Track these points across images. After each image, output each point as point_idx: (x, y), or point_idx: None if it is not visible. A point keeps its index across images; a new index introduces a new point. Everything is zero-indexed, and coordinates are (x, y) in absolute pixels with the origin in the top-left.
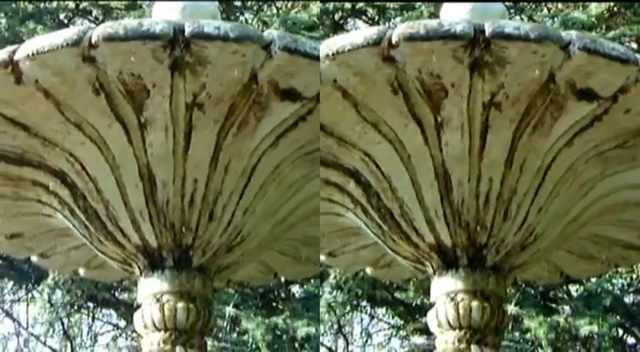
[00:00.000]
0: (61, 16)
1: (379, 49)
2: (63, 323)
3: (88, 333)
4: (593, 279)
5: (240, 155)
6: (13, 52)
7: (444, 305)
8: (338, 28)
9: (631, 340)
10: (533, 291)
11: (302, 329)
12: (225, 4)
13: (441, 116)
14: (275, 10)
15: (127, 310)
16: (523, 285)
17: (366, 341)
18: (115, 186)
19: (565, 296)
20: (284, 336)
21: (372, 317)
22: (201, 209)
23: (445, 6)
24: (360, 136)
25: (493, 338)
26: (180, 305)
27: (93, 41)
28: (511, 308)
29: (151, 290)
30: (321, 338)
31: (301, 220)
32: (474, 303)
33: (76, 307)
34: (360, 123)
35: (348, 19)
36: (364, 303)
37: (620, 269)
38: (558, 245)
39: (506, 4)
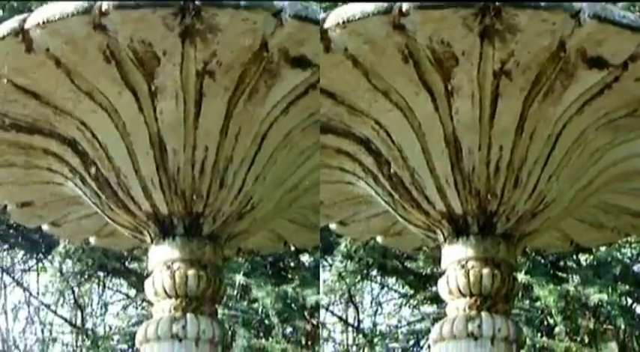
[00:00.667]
0: None
1: (390, 17)
2: (73, 292)
3: (98, 302)
4: (603, 248)
5: (251, 123)
6: (24, 21)
7: (455, 272)
8: None
9: None
10: (543, 260)
11: (311, 298)
12: None
13: (451, 84)
14: None
15: (138, 279)
16: (533, 254)
17: (377, 310)
18: (125, 153)
19: (575, 265)
20: (294, 304)
21: (382, 286)
22: (211, 177)
23: None
24: (371, 105)
25: (503, 306)
26: (191, 272)
27: (104, 9)
28: (521, 277)
29: (162, 257)
30: (331, 307)
31: (311, 188)
32: (485, 271)
33: (86, 276)
34: (370, 92)
35: None
36: (374, 273)
37: (629, 238)
38: (568, 213)
39: None
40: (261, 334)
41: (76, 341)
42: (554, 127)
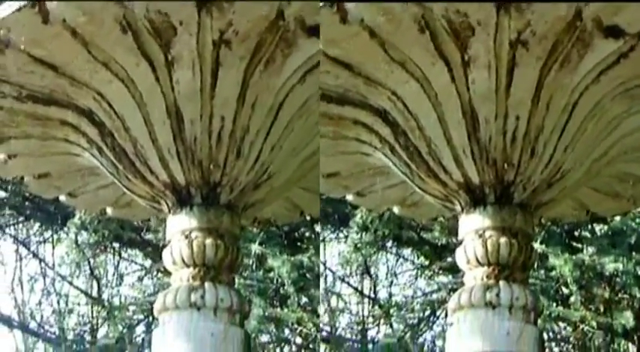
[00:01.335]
0: None
1: None
2: (89, 264)
3: (114, 274)
4: (618, 218)
5: (267, 92)
6: None
7: (473, 242)
8: None
9: None
10: (558, 230)
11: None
12: None
13: (467, 54)
14: None
15: (153, 250)
16: (548, 224)
17: (392, 281)
18: (142, 124)
19: (590, 235)
20: (309, 274)
21: (398, 256)
22: (228, 146)
23: None
24: (388, 76)
25: (521, 274)
26: (209, 241)
27: None
28: (536, 247)
29: (180, 227)
30: (346, 279)
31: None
32: (502, 240)
33: (102, 247)
34: (387, 63)
35: None
36: (390, 244)
37: None
38: (585, 182)
39: None
40: (277, 303)
41: (92, 312)
42: (570, 97)
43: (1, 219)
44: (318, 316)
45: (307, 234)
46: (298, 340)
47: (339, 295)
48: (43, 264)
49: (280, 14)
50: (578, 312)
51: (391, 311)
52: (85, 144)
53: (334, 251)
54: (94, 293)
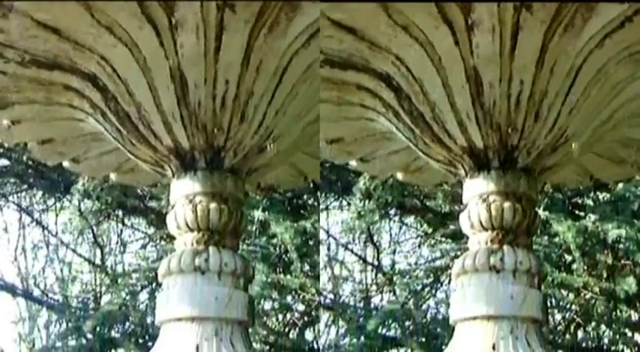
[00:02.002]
0: None
1: None
2: (93, 231)
3: (117, 242)
4: (621, 185)
5: (272, 56)
6: None
7: (477, 206)
8: None
9: None
10: (561, 197)
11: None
12: None
13: (471, 18)
14: None
15: (157, 217)
16: (551, 191)
17: (395, 249)
18: (146, 88)
19: (592, 203)
20: (312, 240)
21: (402, 223)
22: (232, 110)
23: None
24: (391, 40)
25: (525, 239)
26: (213, 205)
27: None
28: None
29: (184, 191)
30: (350, 246)
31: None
32: (506, 204)
33: (105, 215)
34: (390, 27)
35: None
36: (393, 212)
37: None
38: (589, 147)
39: None
40: (280, 270)
41: (96, 280)
42: (574, 61)
43: (5, 188)
44: (318, 278)
45: (310, 202)
46: (301, 307)
47: (342, 263)
48: (46, 232)
49: None
50: (581, 278)
51: (394, 278)
52: (88, 109)
53: (337, 219)
54: (98, 261)
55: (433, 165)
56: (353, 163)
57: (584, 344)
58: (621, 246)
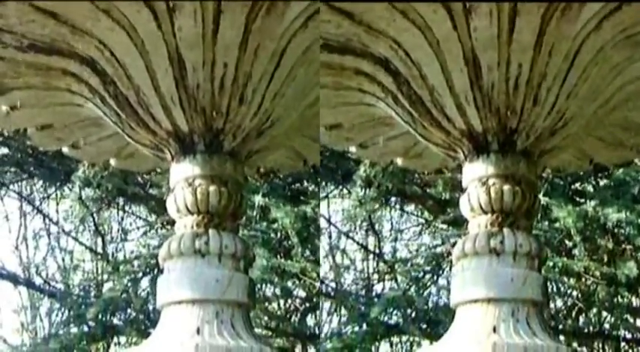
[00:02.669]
0: None
1: None
2: (94, 219)
3: (118, 230)
4: (621, 170)
5: (270, 38)
6: None
7: (476, 189)
8: None
9: None
10: (561, 183)
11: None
12: None
13: (469, 2)
14: None
15: (157, 204)
16: (551, 176)
17: (396, 237)
18: (144, 71)
19: (592, 189)
20: (313, 226)
21: (402, 210)
22: (231, 93)
23: None
24: (389, 24)
25: (525, 222)
26: (212, 188)
27: None
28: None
29: (183, 174)
30: (351, 234)
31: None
32: (506, 187)
33: (106, 202)
34: (388, 11)
35: None
36: (394, 200)
37: None
38: (588, 130)
39: None
40: (281, 254)
41: (97, 268)
42: (572, 44)
43: (5, 176)
44: (318, 262)
45: (311, 188)
46: (302, 293)
47: (343, 251)
48: (47, 221)
49: None
50: (582, 263)
51: (396, 266)
52: (87, 93)
53: (338, 207)
54: (99, 250)
55: (432, 150)
56: (353, 150)
57: (585, 330)
58: (622, 230)
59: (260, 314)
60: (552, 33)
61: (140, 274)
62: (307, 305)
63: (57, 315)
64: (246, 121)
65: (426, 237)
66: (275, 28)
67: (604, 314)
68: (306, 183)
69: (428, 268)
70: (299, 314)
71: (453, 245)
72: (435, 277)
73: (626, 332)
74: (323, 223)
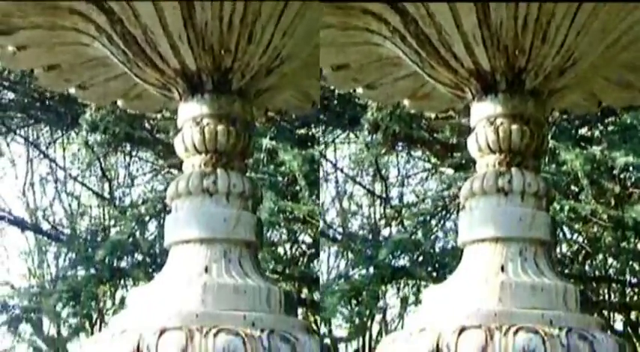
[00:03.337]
0: None
1: None
2: (100, 164)
3: (125, 175)
4: (629, 114)
5: None
6: None
7: (484, 129)
8: None
9: None
10: (569, 126)
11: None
12: None
13: None
14: None
15: (164, 149)
16: (559, 120)
17: (403, 182)
18: (152, 10)
19: (600, 134)
20: (320, 167)
21: (409, 155)
22: (239, 31)
23: None
24: None
25: (533, 162)
26: (220, 127)
27: None
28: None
29: (191, 113)
30: (358, 179)
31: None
32: (514, 127)
33: (113, 147)
34: None
35: None
36: (400, 145)
37: None
38: (596, 70)
39: None
40: (288, 197)
41: (104, 214)
42: None
43: (11, 122)
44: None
45: (318, 133)
46: (308, 239)
47: (350, 196)
48: (53, 166)
49: None
50: (589, 206)
51: (403, 211)
52: (94, 32)
53: (345, 152)
54: (106, 195)
55: (440, 90)
56: (360, 91)
57: (591, 274)
58: (629, 174)
59: (267, 257)
60: None
61: (147, 217)
62: (313, 250)
63: (64, 260)
64: (254, 60)
65: (433, 183)
66: None
67: (610, 260)
68: (313, 128)
69: (435, 212)
70: (305, 259)
71: (460, 188)
72: (442, 221)
73: (632, 277)
74: (329, 168)
